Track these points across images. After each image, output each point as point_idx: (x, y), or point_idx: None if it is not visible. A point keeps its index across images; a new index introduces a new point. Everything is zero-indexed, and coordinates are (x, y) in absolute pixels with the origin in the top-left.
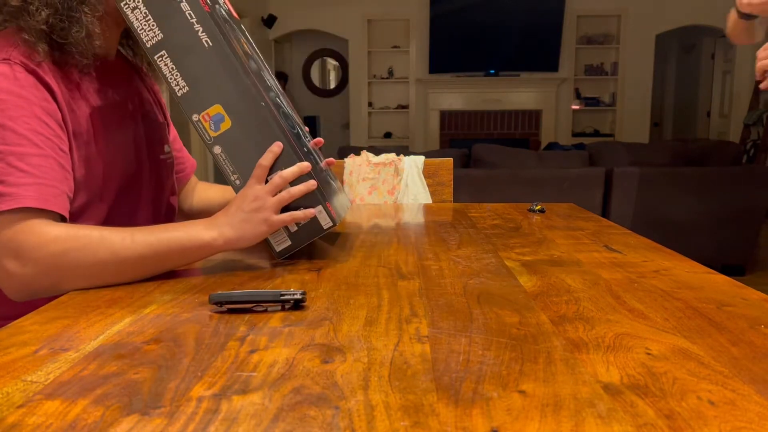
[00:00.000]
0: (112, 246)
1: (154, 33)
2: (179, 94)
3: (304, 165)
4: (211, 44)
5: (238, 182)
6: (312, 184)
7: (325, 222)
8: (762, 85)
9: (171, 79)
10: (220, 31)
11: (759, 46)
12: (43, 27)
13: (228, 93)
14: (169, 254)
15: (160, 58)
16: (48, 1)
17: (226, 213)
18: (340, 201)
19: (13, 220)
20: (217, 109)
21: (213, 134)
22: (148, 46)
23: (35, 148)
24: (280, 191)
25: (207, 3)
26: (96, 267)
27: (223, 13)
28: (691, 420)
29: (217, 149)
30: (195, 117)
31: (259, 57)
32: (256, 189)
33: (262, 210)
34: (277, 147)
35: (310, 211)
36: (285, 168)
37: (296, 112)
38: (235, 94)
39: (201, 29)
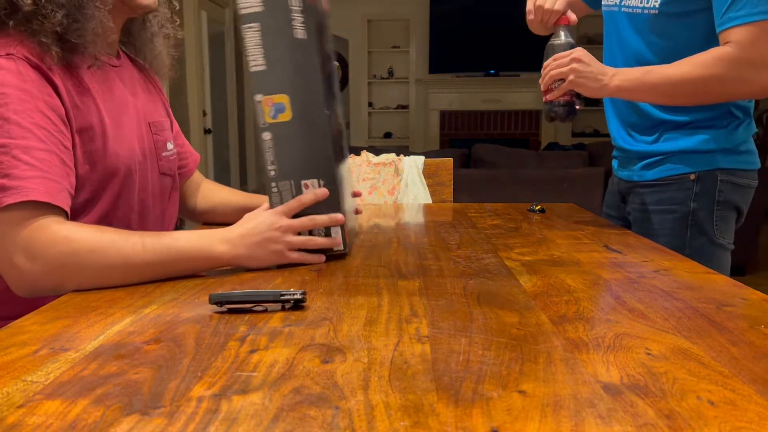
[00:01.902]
0: (122, 251)
1: (254, 3)
2: (252, 70)
3: (338, 218)
4: (302, 37)
5: (272, 173)
6: (337, 242)
7: (337, 248)
8: (548, 96)
9: (251, 52)
10: (316, 28)
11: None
12: (58, 29)
13: (300, 88)
14: (177, 263)
15: (250, 29)
16: (60, 2)
17: (244, 229)
18: (350, 224)
19: (24, 216)
20: (283, 98)
21: (269, 120)
22: (242, 12)
23: (39, 142)
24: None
25: None
26: (104, 270)
27: (322, 7)
28: (691, 420)
29: (267, 135)
30: (258, 97)
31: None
32: (282, 221)
33: (280, 242)
34: (323, 194)
35: (321, 257)
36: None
37: (340, 119)
38: (305, 92)
39: (300, 20)
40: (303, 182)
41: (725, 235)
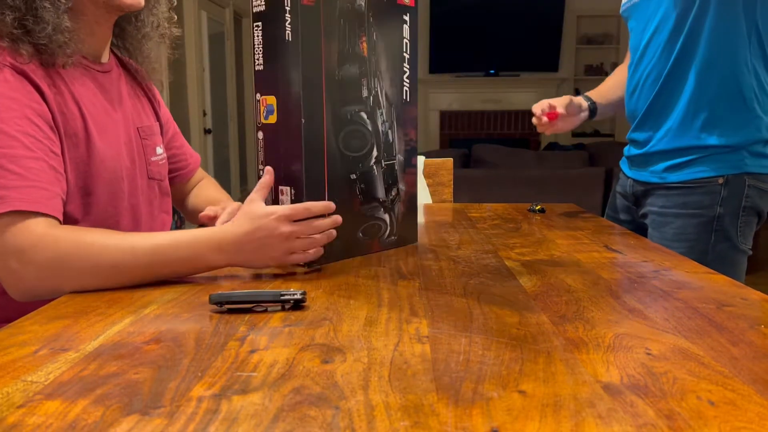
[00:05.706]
0: (112, 256)
1: (260, 2)
2: (255, 68)
3: (338, 219)
4: (290, 39)
5: (261, 173)
6: (332, 235)
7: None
8: (539, 129)
9: (256, 51)
10: (307, 30)
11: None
12: (14, 30)
13: (285, 90)
14: (170, 266)
15: (256, 28)
16: (9, 4)
17: (241, 232)
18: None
19: (13, 222)
20: (271, 100)
21: (262, 120)
22: (254, 11)
23: (26, 150)
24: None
25: None
26: (96, 274)
27: (361, 3)
28: (691, 420)
29: (260, 134)
30: (257, 96)
31: (395, 55)
32: (284, 227)
33: (279, 249)
34: (332, 206)
35: (319, 250)
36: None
37: (408, 127)
38: (289, 94)
39: (289, 20)
40: (280, 188)
41: (747, 240)
